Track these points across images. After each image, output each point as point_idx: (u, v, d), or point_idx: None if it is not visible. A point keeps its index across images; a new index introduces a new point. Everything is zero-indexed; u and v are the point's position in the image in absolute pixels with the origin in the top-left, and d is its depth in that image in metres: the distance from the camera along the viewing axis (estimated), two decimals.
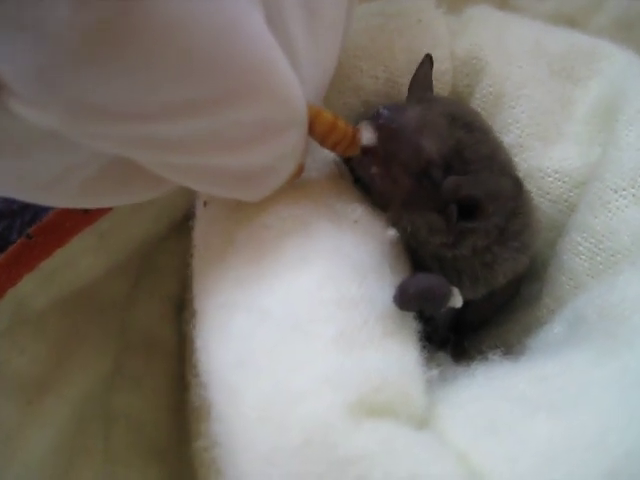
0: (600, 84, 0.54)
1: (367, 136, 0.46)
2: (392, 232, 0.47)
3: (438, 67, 0.56)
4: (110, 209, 0.62)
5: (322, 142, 0.45)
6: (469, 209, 0.47)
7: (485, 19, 0.59)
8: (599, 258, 0.48)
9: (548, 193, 0.54)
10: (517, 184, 0.48)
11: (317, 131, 0.44)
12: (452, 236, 0.48)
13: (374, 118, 0.46)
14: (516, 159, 0.55)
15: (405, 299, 0.42)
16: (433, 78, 0.55)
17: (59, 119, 0.33)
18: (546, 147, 0.54)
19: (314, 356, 0.38)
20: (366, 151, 0.46)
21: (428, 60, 0.53)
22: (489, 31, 0.57)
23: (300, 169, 0.46)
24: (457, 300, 0.45)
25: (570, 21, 0.72)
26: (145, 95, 0.33)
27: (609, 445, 0.35)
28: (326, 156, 0.49)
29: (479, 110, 0.55)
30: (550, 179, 0.53)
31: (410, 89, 0.53)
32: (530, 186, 0.54)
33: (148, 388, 0.70)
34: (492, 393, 0.41)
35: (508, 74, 0.55)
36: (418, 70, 0.53)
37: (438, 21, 0.57)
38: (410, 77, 0.54)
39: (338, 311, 0.40)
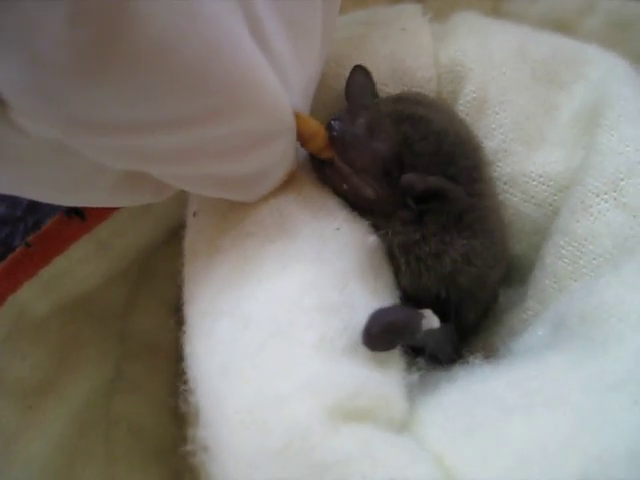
0: (585, 88, 0.54)
1: None
2: (373, 238, 0.47)
3: (423, 75, 0.56)
4: (107, 218, 0.63)
5: (307, 147, 0.47)
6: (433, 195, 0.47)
7: (470, 26, 0.59)
8: (582, 261, 0.48)
9: (533, 197, 0.54)
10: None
11: (303, 138, 0.46)
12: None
13: (328, 131, 0.47)
14: (500, 164, 0.55)
15: (372, 340, 0.41)
16: (418, 86, 0.56)
17: (57, 131, 0.35)
18: (530, 151, 0.54)
19: (295, 362, 0.39)
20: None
21: (359, 70, 0.52)
22: (473, 38, 0.57)
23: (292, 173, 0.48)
24: (432, 321, 0.44)
25: (562, 24, 0.72)
26: (135, 110, 0.34)
27: (582, 446, 0.36)
28: (308, 164, 0.50)
29: (463, 116, 0.56)
30: (534, 183, 0.53)
31: (348, 100, 0.52)
32: (515, 190, 0.55)
33: (149, 392, 0.71)
34: (471, 397, 0.41)
35: (492, 80, 0.55)
36: (349, 81, 0.52)
37: (422, 29, 0.57)
38: (395, 86, 0.55)
39: (319, 317, 0.41)
